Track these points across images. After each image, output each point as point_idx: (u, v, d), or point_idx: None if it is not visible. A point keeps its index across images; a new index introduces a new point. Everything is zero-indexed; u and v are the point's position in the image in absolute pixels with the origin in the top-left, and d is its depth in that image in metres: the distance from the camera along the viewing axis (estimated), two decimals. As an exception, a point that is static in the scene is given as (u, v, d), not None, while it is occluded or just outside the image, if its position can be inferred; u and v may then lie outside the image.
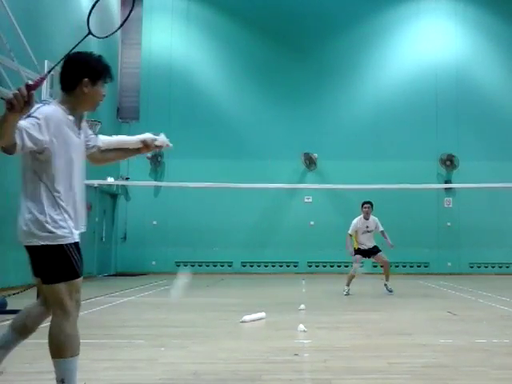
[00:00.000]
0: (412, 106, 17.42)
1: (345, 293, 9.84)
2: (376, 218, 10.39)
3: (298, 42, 17.73)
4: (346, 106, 17.50)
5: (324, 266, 16.83)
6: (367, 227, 10.27)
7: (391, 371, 3.83)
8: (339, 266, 16.78)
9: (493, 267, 16.72)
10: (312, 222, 16.87)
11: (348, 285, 9.97)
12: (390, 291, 10.05)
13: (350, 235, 10.37)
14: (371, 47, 17.75)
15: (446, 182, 16.97)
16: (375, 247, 10.29)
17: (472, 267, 16.79)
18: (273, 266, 16.86)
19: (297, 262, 16.85)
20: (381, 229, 10.38)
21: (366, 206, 10.39)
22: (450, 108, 17.42)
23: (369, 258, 10.46)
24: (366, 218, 10.31)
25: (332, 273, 16.48)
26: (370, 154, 17.02)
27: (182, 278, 3.20)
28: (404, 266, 16.79)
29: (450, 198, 17.15)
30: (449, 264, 16.77)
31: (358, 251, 10.28)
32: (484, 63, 17.69)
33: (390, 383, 3.55)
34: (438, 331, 5.60)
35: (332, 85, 17.54)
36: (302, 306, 7.32)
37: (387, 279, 10.21)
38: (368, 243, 10.27)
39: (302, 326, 5.52)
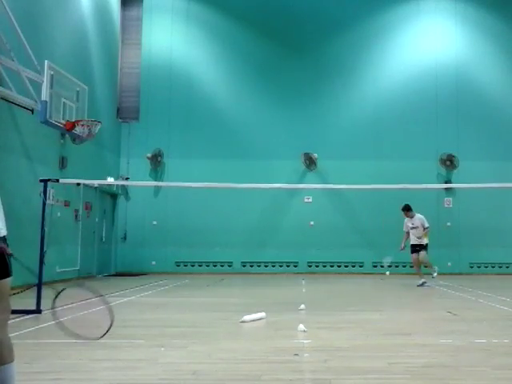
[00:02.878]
0: (412, 106, 17.42)
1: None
2: (422, 216, 12.13)
3: (298, 42, 17.74)
4: (346, 106, 17.51)
5: (324, 266, 16.82)
6: (412, 224, 12.09)
7: (391, 371, 3.83)
8: (339, 266, 16.80)
9: (493, 267, 16.72)
10: (312, 222, 16.87)
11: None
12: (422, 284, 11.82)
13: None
14: (371, 47, 17.75)
15: (446, 182, 16.97)
16: (418, 246, 12.09)
17: (472, 267, 16.79)
18: (273, 266, 16.86)
19: (297, 262, 16.85)
20: (425, 225, 12.05)
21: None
22: (450, 108, 17.42)
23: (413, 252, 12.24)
24: (410, 217, 12.15)
25: (332, 273, 16.49)
26: (369, 154, 17.02)
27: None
28: (404, 266, 16.75)
29: (450, 198, 17.15)
30: (449, 264, 16.76)
31: (411, 246, 12.21)
32: (484, 63, 17.70)
33: (390, 383, 3.55)
34: (437, 331, 5.60)
35: (332, 85, 17.54)
36: (302, 306, 7.32)
37: (421, 276, 12.07)
38: (414, 239, 12.14)
39: (301, 326, 5.51)
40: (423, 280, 11.92)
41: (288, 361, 4.14)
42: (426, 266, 12.38)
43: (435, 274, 12.12)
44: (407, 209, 12.14)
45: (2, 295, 2.58)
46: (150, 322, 6.36)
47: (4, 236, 2.64)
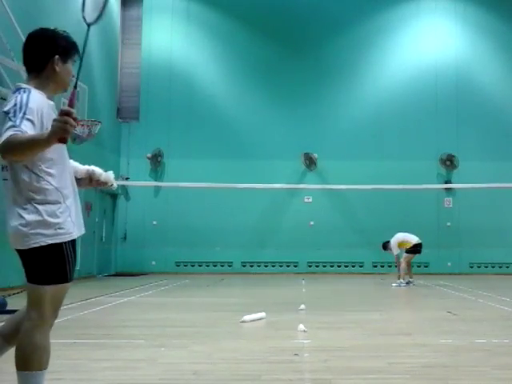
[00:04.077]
0: (412, 106, 17.42)
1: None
2: (392, 243, 12.18)
3: (298, 42, 17.73)
4: (346, 106, 17.50)
5: (324, 266, 16.82)
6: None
7: (391, 371, 3.83)
8: (339, 266, 16.80)
9: (493, 267, 16.71)
10: (312, 222, 16.87)
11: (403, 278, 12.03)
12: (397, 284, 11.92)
13: None
14: (371, 47, 17.75)
15: (446, 182, 16.97)
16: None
17: (472, 267, 16.79)
18: (273, 266, 16.85)
19: (297, 262, 16.84)
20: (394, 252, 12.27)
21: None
22: (450, 108, 17.42)
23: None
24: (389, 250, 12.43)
25: (332, 273, 16.49)
26: (369, 154, 17.02)
27: None
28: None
29: (450, 198, 17.15)
30: (449, 264, 16.76)
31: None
32: (484, 63, 17.69)
33: (390, 383, 3.55)
34: (438, 331, 5.59)
35: (332, 85, 17.54)
36: (302, 306, 7.32)
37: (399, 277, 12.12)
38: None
39: (301, 326, 5.51)
40: (409, 280, 12.02)
41: (288, 361, 4.14)
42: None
43: (394, 285, 11.90)
44: (383, 247, 12.56)
45: (54, 300, 2.49)
46: (150, 321, 6.35)
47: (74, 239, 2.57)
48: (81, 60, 2.50)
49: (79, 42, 2.70)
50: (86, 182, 2.85)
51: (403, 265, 12.04)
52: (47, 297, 2.44)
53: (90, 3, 2.71)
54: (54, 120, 2.16)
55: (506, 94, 17.51)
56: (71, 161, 2.80)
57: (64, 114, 2.13)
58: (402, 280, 11.87)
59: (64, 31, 2.63)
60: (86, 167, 2.88)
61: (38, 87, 2.50)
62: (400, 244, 12.07)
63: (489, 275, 15.97)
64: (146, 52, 17.78)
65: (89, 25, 2.57)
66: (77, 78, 2.44)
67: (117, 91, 17.45)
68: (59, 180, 2.49)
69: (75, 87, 2.36)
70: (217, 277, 14.91)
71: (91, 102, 13.18)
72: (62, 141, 2.15)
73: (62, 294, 2.52)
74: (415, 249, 12.01)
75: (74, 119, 2.12)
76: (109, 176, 2.95)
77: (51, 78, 2.56)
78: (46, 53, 2.53)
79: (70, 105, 2.22)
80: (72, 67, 2.63)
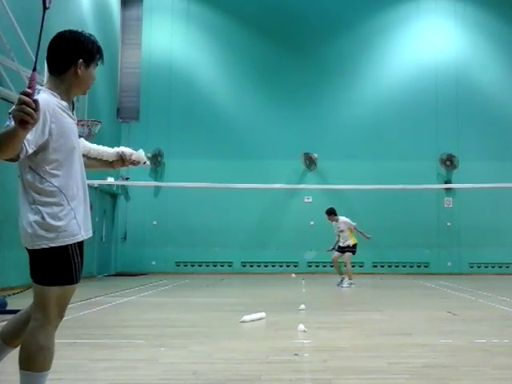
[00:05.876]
0: (412, 106, 17.43)
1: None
2: (346, 220, 11.73)
3: (298, 42, 17.74)
4: (346, 106, 17.51)
5: (324, 266, 16.80)
6: (338, 228, 11.80)
7: (391, 371, 3.83)
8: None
9: (493, 267, 16.72)
10: (312, 222, 16.86)
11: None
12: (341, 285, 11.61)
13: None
14: (371, 47, 17.76)
15: (446, 182, 16.97)
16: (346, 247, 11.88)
17: (472, 267, 16.79)
18: (273, 266, 16.85)
19: (297, 262, 16.84)
20: (353, 224, 11.75)
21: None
22: (450, 108, 17.42)
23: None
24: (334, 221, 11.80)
25: (332, 273, 16.41)
26: (369, 154, 17.02)
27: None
28: (404, 266, 16.80)
29: (450, 198, 17.15)
30: (449, 264, 16.76)
31: (338, 247, 11.99)
32: (484, 63, 17.70)
33: (390, 383, 3.55)
34: (438, 331, 5.59)
35: (332, 85, 17.54)
36: (302, 306, 7.31)
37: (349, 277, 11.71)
38: (341, 241, 11.90)
39: (302, 326, 5.51)
40: (343, 278, 11.75)
41: (288, 361, 4.14)
42: (345, 266, 12.06)
43: (345, 284, 11.55)
44: (329, 213, 11.78)
45: (60, 301, 2.47)
46: (150, 321, 6.35)
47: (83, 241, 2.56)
48: (38, 44, 2.43)
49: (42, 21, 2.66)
50: (119, 163, 2.96)
51: (350, 266, 11.86)
52: (52, 297, 2.44)
53: None
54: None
55: (506, 93, 17.51)
56: (98, 146, 2.89)
57: (22, 94, 2.08)
58: (351, 280, 11.62)
59: (90, 34, 2.64)
60: (116, 149, 2.95)
61: (53, 88, 2.52)
62: (350, 230, 11.71)
63: (489, 275, 15.98)
64: (146, 52, 17.79)
65: (47, 9, 2.54)
66: (35, 60, 2.38)
67: (117, 91, 17.45)
68: (64, 181, 2.47)
69: (34, 69, 2.29)
70: (217, 277, 14.91)
71: (91, 102, 13.18)
72: (23, 124, 2.07)
73: (67, 296, 2.51)
74: (355, 249, 11.81)
75: (34, 101, 2.07)
76: (140, 154, 3.00)
77: (72, 81, 2.57)
78: (71, 56, 2.55)
79: (29, 87, 2.16)
80: (95, 71, 2.64)
